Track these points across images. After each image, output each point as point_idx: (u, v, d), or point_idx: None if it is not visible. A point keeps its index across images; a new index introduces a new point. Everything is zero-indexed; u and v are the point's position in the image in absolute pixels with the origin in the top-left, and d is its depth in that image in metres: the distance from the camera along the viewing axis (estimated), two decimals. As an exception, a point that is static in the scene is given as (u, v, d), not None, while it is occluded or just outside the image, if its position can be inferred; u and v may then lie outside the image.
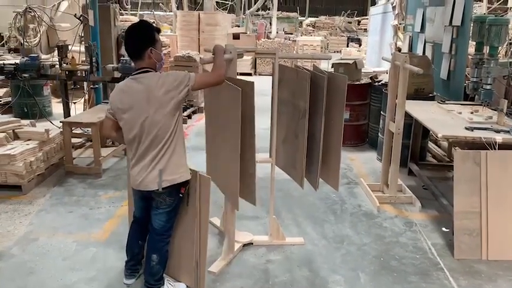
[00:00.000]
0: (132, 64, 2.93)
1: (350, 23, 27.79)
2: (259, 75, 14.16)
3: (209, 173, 3.39)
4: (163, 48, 12.37)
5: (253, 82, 3.00)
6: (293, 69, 3.57)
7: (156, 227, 2.86)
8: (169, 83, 2.64)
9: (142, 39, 2.70)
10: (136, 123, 2.67)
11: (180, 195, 2.84)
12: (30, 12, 8.31)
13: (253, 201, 3.24)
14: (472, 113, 4.37)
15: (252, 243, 3.67)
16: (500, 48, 4.55)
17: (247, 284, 3.17)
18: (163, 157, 2.69)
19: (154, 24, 2.90)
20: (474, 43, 4.80)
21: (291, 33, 23.21)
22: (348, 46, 20.71)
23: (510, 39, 6.01)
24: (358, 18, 29.35)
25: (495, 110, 4.28)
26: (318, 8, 35.91)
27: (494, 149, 3.59)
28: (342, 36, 24.42)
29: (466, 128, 3.87)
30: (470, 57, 5.32)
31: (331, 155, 3.50)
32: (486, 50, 4.56)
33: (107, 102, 5.87)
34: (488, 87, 4.36)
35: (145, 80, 2.66)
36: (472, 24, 4.85)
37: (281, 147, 3.76)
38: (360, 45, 19.82)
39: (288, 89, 3.59)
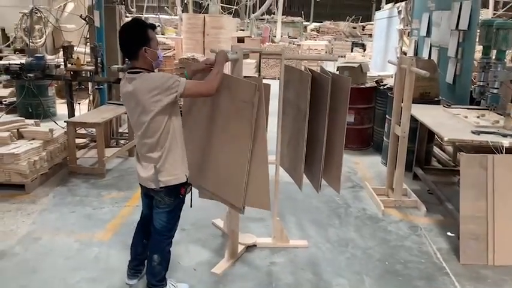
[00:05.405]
0: None
1: (355, 28, 27.76)
2: (263, 78, 14.15)
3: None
4: (168, 50, 12.46)
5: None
6: (298, 70, 3.55)
7: (157, 226, 2.84)
8: (156, 86, 2.54)
9: (135, 38, 2.60)
10: (131, 118, 2.77)
11: (180, 196, 2.80)
12: (37, 13, 8.36)
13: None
14: (478, 117, 4.33)
15: (256, 245, 3.64)
16: (507, 52, 4.52)
17: (251, 286, 3.14)
18: (159, 157, 2.66)
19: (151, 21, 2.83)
20: (479, 48, 4.78)
21: (295, 38, 23.25)
22: (352, 51, 20.70)
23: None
24: (362, 24, 29.31)
25: (501, 115, 4.25)
26: (323, 13, 35.87)
27: (501, 153, 3.56)
28: (347, 41, 24.42)
29: (473, 132, 3.83)
30: (476, 61, 5.30)
31: (334, 157, 3.46)
32: (493, 54, 4.54)
33: (111, 103, 5.98)
34: (495, 91, 4.34)
35: (135, 82, 2.58)
36: (479, 28, 4.83)
37: (286, 150, 3.74)
38: (365, 50, 19.81)
39: (293, 90, 3.57)
